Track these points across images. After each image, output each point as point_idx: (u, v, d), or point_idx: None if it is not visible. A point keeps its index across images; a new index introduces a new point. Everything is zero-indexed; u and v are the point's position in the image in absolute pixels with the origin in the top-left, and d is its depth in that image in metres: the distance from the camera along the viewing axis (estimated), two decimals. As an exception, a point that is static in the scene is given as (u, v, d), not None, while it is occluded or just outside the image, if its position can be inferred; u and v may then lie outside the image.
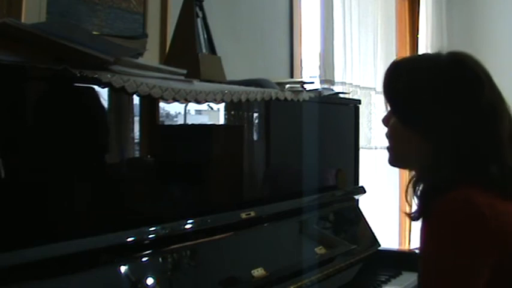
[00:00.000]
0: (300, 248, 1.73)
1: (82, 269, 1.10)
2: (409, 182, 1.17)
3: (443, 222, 1.04)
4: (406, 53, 3.76)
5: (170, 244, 1.30)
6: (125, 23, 1.83)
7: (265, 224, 1.62)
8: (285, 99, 1.75)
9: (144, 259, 1.24)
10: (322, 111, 1.93)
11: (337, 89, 2.65)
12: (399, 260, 2.02)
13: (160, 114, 1.37)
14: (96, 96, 1.18)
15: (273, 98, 1.69)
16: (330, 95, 2.09)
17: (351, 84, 3.01)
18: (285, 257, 1.62)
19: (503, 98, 1.15)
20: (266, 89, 1.68)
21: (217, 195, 1.54)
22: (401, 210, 3.34)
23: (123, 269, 1.18)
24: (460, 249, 1.02)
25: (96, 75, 1.12)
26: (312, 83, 2.03)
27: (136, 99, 1.27)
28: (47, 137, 1.09)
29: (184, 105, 1.41)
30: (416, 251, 1.11)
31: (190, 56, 1.60)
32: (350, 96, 2.57)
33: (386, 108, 1.21)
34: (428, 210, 1.07)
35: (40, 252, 1.02)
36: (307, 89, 1.90)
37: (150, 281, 1.23)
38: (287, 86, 1.84)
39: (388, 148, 1.23)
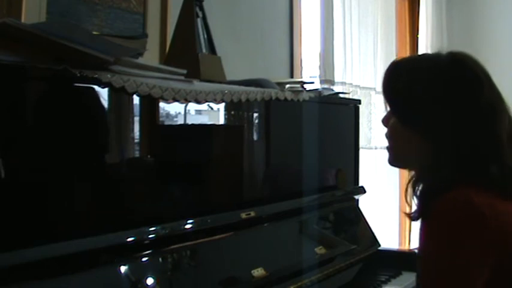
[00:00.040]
0: (300, 248, 1.73)
1: (82, 269, 1.10)
2: (409, 182, 1.17)
3: (442, 222, 1.04)
4: (406, 53, 3.76)
5: (170, 244, 1.30)
6: (125, 23, 1.83)
7: (265, 224, 1.62)
8: (285, 99, 1.75)
9: (144, 259, 1.24)
10: (322, 111, 1.93)
11: (337, 89, 2.65)
12: (399, 260, 2.02)
13: (160, 114, 1.37)
14: (96, 96, 1.18)
15: (273, 98, 1.69)
16: (330, 95, 2.09)
17: (351, 84, 3.01)
18: (285, 257, 1.62)
19: (503, 98, 1.15)
20: (266, 89, 1.68)
21: (217, 195, 1.54)
22: (401, 210, 3.34)
23: (123, 269, 1.18)
24: (459, 249, 1.02)
25: (96, 75, 1.12)
26: (312, 83, 2.03)
27: (136, 99, 1.27)
28: (47, 137, 1.09)
29: (184, 105, 1.41)
30: (416, 251, 1.11)
31: (190, 56, 1.60)
32: (350, 96, 2.57)
33: (386, 108, 1.22)
34: (428, 210, 1.07)
35: (40, 252, 1.02)
36: (307, 89, 1.90)
37: (150, 281, 1.23)
38: (287, 86, 1.84)
39: (387, 148, 1.23)
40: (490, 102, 1.11)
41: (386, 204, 3.37)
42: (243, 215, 1.53)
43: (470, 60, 1.15)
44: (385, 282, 1.88)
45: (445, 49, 1.19)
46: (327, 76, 2.78)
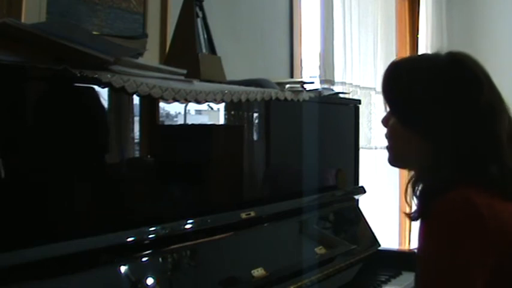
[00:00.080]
0: (300, 248, 1.73)
1: (82, 269, 1.10)
2: (409, 182, 1.17)
3: (442, 222, 1.04)
4: (406, 53, 3.76)
5: (170, 244, 1.30)
6: (125, 23, 1.83)
7: (265, 224, 1.62)
8: (285, 99, 1.75)
9: (144, 259, 1.24)
10: (322, 111, 1.93)
11: (337, 89, 2.65)
12: (399, 260, 2.02)
13: (160, 114, 1.37)
14: (96, 96, 1.18)
15: (273, 98, 1.69)
16: (330, 95, 2.09)
17: (351, 84, 3.01)
18: (285, 257, 1.62)
19: (503, 98, 1.15)
20: (266, 89, 1.68)
21: (217, 195, 1.54)
22: (401, 210, 3.34)
23: (123, 269, 1.18)
24: (458, 249, 1.02)
25: (96, 75, 1.12)
26: (312, 83, 2.03)
27: (136, 99, 1.27)
28: (47, 137, 1.09)
29: (184, 105, 1.41)
30: (416, 251, 1.11)
31: (190, 56, 1.60)
32: (350, 96, 2.57)
33: (386, 108, 1.22)
34: (428, 210, 1.07)
35: (40, 252, 1.02)
36: (307, 89, 1.90)
37: (150, 281, 1.23)
38: (287, 86, 1.84)
39: (387, 148, 1.24)
40: (490, 102, 1.11)
41: (386, 204, 3.37)
42: (243, 215, 1.53)
43: (469, 60, 1.15)
44: (385, 282, 1.88)
45: (445, 49, 1.19)
46: (327, 76, 2.78)
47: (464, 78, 1.13)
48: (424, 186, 1.13)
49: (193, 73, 1.48)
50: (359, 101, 2.26)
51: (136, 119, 1.29)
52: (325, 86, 2.55)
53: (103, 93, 1.18)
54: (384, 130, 1.23)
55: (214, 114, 1.55)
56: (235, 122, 1.64)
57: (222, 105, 1.53)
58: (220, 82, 1.59)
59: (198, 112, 1.49)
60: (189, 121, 1.46)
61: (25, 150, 1.05)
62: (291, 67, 2.69)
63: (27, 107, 1.08)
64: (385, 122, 1.22)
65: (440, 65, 1.15)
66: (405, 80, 1.16)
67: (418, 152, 1.15)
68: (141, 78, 1.23)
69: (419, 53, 3.52)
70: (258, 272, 1.47)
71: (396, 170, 3.16)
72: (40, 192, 1.07)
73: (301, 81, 1.92)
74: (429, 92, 1.12)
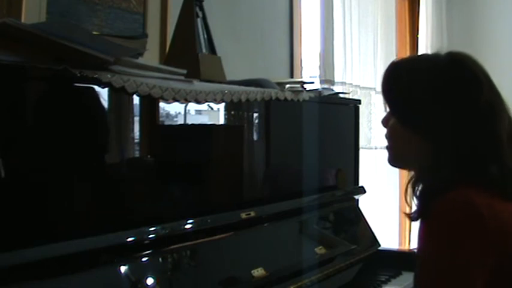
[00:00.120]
0: (300, 248, 1.73)
1: (82, 269, 1.10)
2: (409, 183, 1.17)
3: (442, 222, 1.04)
4: (406, 53, 3.76)
5: (170, 244, 1.30)
6: (125, 23, 1.83)
7: (265, 224, 1.62)
8: (285, 99, 1.75)
9: (144, 259, 1.24)
10: (322, 111, 1.93)
11: (337, 89, 2.65)
12: (399, 260, 2.02)
13: (160, 114, 1.37)
14: (96, 96, 1.18)
15: (273, 98, 1.69)
16: (330, 95, 2.09)
17: (351, 84, 3.01)
18: (285, 257, 1.62)
19: (503, 98, 1.15)
20: (266, 89, 1.68)
21: (217, 195, 1.54)
22: (401, 210, 3.34)
23: (123, 269, 1.18)
24: (458, 249, 1.02)
25: (96, 75, 1.12)
26: (312, 83, 2.03)
27: (136, 99, 1.27)
28: (47, 137, 1.09)
29: (184, 105, 1.41)
30: (416, 250, 1.11)
31: (190, 56, 1.60)
32: (350, 96, 2.57)
33: (386, 109, 1.22)
34: (428, 211, 1.07)
35: (40, 252, 1.02)
36: (307, 89, 1.90)
37: (150, 281, 1.23)
38: (287, 86, 1.84)
39: (387, 148, 1.24)
40: (490, 102, 1.11)
41: (386, 204, 3.37)
42: (243, 215, 1.53)
43: (469, 61, 1.15)
44: (385, 282, 1.88)
45: (445, 49, 1.19)
46: (327, 76, 2.78)
47: (464, 78, 1.13)
48: (424, 186, 1.13)
49: (193, 73, 1.48)
50: (359, 101, 2.26)
51: (136, 119, 1.29)
52: (325, 86, 2.55)
53: (103, 93, 1.18)
54: (384, 130, 1.23)
55: (214, 114, 1.55)
56: (235, 122, 1.64)
57: (222, 105, 1.53)
58: (220, 82, 1.59)
59: (198, 112, 1.49)
60: (189, 121, 1.46)
61: (25, 150, 1.05)
62: (291, 67, 2.69)
63: (27, 107, 1.08)
64: (385, 122, 1.22)
65: (440, 65, 1.15)
66: (405, 80, 1.16)
67: (418, 152, 1.15)
68: (141, 78, 1.23)
69: (419, 53, 3.52)
70: (258, 272, 1.47)
71: (396, 170, 3.15)
72: (40, 192, 1.07)
73: (301, 81, 1.92)
74: (429, 92, 1.12)
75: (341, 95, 2.24)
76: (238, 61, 2.21)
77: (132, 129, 1.28)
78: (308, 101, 1.85)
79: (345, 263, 1.81)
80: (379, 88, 3.11)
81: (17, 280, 0.98)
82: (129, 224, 1.22)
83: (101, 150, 1.23)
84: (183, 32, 1.65)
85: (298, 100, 1.80)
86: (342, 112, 2.18)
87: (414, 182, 1.15)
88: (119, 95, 1.20)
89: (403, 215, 2.20)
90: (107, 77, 1.14)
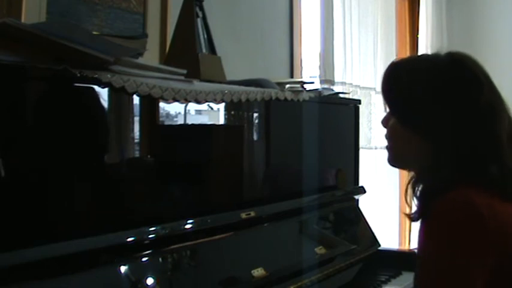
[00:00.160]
0: (300, 248, 1.73)
1: (82, 269, 1.10)
2: (409, 183, 1.17)
3: (442, 223, 1.04)
4: (406, 53, 3.76)
5: (170, 244, 1.30)
6: (125, 23, 1.83)
7: (265, 224, 1.62)
8: (285, 99, 1.75)
9: (144, 259, 1.24)
10: (322, 111, 1.93)
11: (337, 89, 2.65)
12: (399, 260, 2.02)
13: (160, 114, 1.37)
14: (96, 96, 1.18)
15: (273, 98, 1.69)
16: (330, 95, 2.09)
17: (351, 84, 3.01)
18: (285, 257, 1.62)
19: (502, 98, 1.15)
20: (266, 89, 1.68)
21: (217, 195, 1.54)
22: (401, 210, 3.34)
23: (123, 269, 1.18)
24: (458, 250, 1.02)
25: (96, 75, 1.12)
26: (312, 83, 2.03)
27: (136, 99, 1.27)
28: (47, 137, 1.09)
29: (184, 105, 1.41)
30: (416, 251, 1.11)
31: (190, 56, 1.60)
32: (350, 96, 2.57)
33: (386, 109, 1.22)
34: (428, 211, 1.07)
35: (40, 252, 1.02)
36: (307, 89, 1.90)
37: (150, 281, 1.23)
38: (287, 86, 1.84)
39: (387, 148, 1.24)
40: (490, 102, 1.11)
41: (386, 204, 3.37)
42: (243, 215, 1.53)
43: (469, 61, 1.15)
44: (385, 282, 1.88)
45: (445, 49, 1.19)
46: (327, 76, 2.78)
47: (464, 78, 1.13)
48: (424, 186, 1.13)
49: (193, 73, 1.48)
50: (359, 101, 2.26)
51: (136, 119, 1.29)
52: (325, 86, 2.55)
53: (103, 93, 1.18)
54: (384, 130, 1.23)
55: (214, 114, 1.55)
56: (235, 122, 1.64)
57: (222, 105, 1.53)
58: (220, 82, 1.59)
59: (198, 112, 1.49)
60: (189, 121, 1.46)
61: (25, 150, 1.05)
62: (291, 67, 2.69)
63: (27, 107, 1.08)
64: (385, 122, 1.22)
65: (440, 65, 1.15)
66: (405, 81, 1.16)
67: (418, 152, 1.15)
68: (141, 78, 1.23)
69: (419, 53, 3.52)
70: (258, 272, 1.47)
71: (396, 170, 3.15)
72: (40, 192, 1.07)
73: (301, 81, 1.92)
74: (429, 92, 1.12)
75: (341, 95, 2.24)
76: (238, 61, 2.21)
77: (132, 129, 1.28)
78: (308, 101, 1.85)
79: (345, 263, 1.81)
80: (379, 88, 3.11)
81: (17, 280, 0.98)
82: (129, 224, 1.22)
83: (101, 150, 1.23)
84: (183, 32, 1.65)
85: (298, 100, 1.80)
86: (342, 112, 2.18)
87: (414, 183, 1.15)
88: (119, 95, 1.20)
89: (403, 215, 2.20)
90: (107, 77, 1.14)
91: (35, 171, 1.07)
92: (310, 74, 2.99)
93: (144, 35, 1.53)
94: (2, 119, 1.01)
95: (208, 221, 1.42)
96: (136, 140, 1.30)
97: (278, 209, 1.67)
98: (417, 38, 3.77)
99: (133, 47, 1.27)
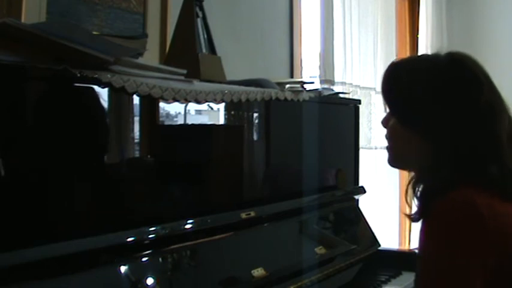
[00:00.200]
0: (300, 248, 1.73)
1: (82, 269, 1.10)
2: (409, 183, 1.17)
3: (442, 223, 1.04)
4: (406, 53, 3.76)
5: (170, 244, 1.30)
6: (125, 23, 1.83)
7: (265, 224, 1.62)
8: (285, 99, 1.75)
9: (144, 259, 1.24)
10: (322, 111, 1.93)
11: (337, 89, 2.65)
12: (399, 260, 2.02)
13: (160, 114, 1.37)
14: (96, 96, 1.18)
15: (273, 98, 1.69)
16: (330, 95, 2.09)
17: (351, 84, 3.01)
18: (285, 257, 1.62)
19: (502, 98, 1.15)
20: (266, 89, 1.68)
21: (217, 195, 1.54)
22: (401, 210, 3.34)
23: (123, 269, 1.18)
24: (458, 250, 1.02)
25: (96, 75, 1.12)
26: (312, 83, 2.03)
27: (136, 99, 1.27)
28: (47, 137, 1.09)
29: (184, 105, 1.41)
30: (416, 251, 1.11)
31: (190, 56, 1.60)
32: (350, 96, 2.57)
33: (386, 109, 1.22)
34: (428, 211, 1.07)
35: (40, 252, 1.02)
36: (307, 89, 1.90)
37: (150, 281, 1.23)
38: (287, 86, 1.84)
39: (387, 148, 1.24)
40: (490, 102, 1.11)
41: (386, 204, 3.37)
42: (243, 215, 1.53)
43: (469, 61, 1.15)
44: (385, 282, 1.88)
45: (445, 49, 1.19)
46: (327, 76, 2.78)
47: (464, 78, 1.13)
48: (424, 186, 1.13)
49: (193, 73, 1.48)
50: (359, 101, 2.26)
51: (136, 119, 1.29)
52: (325, 86, 2.55)
53: (103, 93, 1.18)
54: (384, 131, 1.23)
55: (214, 114, 1.55)
56: (235, 122, 1.64)
57: (222, 105, 1.53)
58: (220, 82, 1.59)
59: (198, 112, 1.49)
60: (189, 121, 1.46)
61: (25, 150, 1.05)
62: (291, 67, 2.69)
63: (27, 107, 1.08)
64: (385, 122, 1.22)
65: (440, 65, 1.15)
66: (405, 81, 1.16)
67: (418, 152, 1.15)
68: (141, 78, 1.23)
69: (419, 53, 3.53)
70: (258, 272, 1.47)
71: (396, 170, 3.14)
72: (40, 192, 1.07)
73: (301, 81, 1.92)
74: (429, 92, 1.12)
75: (341, 95, 2.24)
76: (238, 61, 2.21)
77: (132, 129, 1.28)
78: (308, 101, 1.85)
79: (345, 263, 1.81)
80: (379, 88, 3.11)
81: (17, 280, 0.98)
82: (129, 224, 1.22)
83: (101, 150, 1.23)
84: (183, 32, 1.65)
85: (298, 100, 1.80)
86: (342, 112, 2.18)
87: (414, 183, 1.14)
88: (119, 95, 1.20)
89: (403, 215, 2.19)
90: (107, 77, 1.14)
91: (35, 171, 1.07)
92: (310, 74, 2.99)
93: (144, 35, 1.53)
94: (2, 119, 1.01)
95: (208, 221, 1.42)
96: (136, 140, 1.30)
97: (278, 209, 1.67)
98: (417, 38, 3.77)
99: (134, 47, 1.27)
